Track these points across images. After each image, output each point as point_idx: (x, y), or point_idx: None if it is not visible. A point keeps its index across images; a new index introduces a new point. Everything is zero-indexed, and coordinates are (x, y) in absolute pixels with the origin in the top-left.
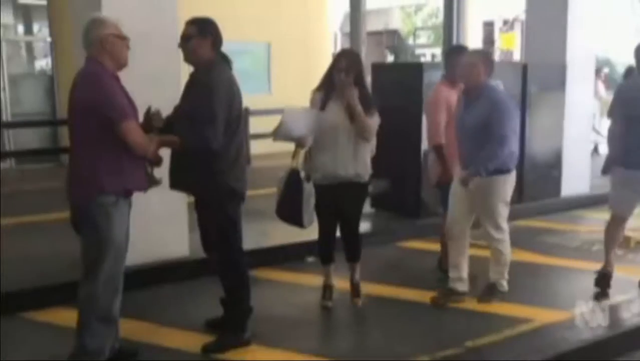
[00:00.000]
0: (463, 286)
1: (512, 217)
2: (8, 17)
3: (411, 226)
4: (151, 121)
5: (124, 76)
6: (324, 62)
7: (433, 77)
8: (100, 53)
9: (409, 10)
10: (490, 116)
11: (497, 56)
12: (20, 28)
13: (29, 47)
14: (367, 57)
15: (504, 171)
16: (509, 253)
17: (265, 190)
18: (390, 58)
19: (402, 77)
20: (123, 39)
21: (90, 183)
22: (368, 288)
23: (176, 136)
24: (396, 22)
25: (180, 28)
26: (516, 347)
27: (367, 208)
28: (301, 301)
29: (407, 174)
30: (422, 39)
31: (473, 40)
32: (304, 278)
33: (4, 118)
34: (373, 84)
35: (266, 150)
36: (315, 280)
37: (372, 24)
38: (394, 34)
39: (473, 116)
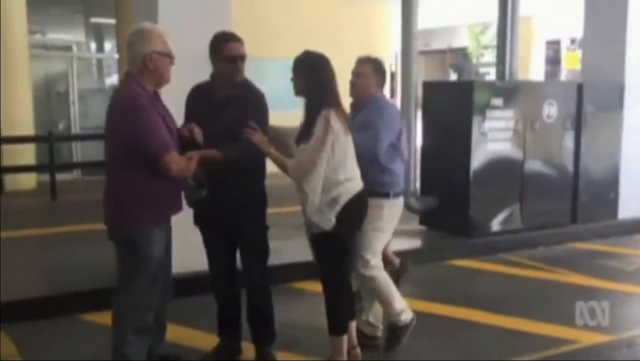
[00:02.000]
0: (371, 330)
1: (566, 239)
2: (80, 36)
3: (460, 244)
4: (194, 140)
5: (174, 92)
6: None
7: (484, 96)
8: (142, 71)
9: (476, 30)
10: (368, 120)
11: (563, 75)
12: (93, 46)
13: (99, 64)
14: (420, 75)
15: (379, 194)
16: (387, 285)
17: None
18: (453, 76)
19: (453, 96)
20: (168, 56)
21: (129, 211)
22: (411, 304)
23: (217, 150)
24: (462, 41)
25: None
26: None
27: (415, 225)
28: None
29: (456, 193)
30: (488, 57)
31: (536, 59)
32: None
33: (72, 131)
34: (424, 103)
35: None
36: None
37: (437, 43)
38: (458, 52)
39: (355, 127)
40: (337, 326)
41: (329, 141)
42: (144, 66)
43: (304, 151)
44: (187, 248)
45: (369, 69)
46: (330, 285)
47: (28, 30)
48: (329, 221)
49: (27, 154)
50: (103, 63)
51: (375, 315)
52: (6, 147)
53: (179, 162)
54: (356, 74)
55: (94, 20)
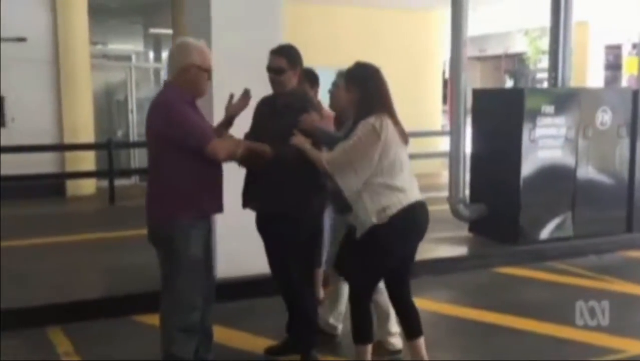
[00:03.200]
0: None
1: (619, 247)
2: (139, 46)
3: (507, 252)
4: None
5: (223, 101)
6: (433, 88)
7: (535, 103)
8: (180, 82)
9: (534, 35)
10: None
11: (624, 81)
12: (151, 55)
13: (157, 73)
14: (475, 82)
15: None
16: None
17: None
18: (509, 83)
19: (503, 103)
20: (205, 70)
21: (167, 208)
22: (455, 310)
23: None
24: (518, 46)
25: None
26: None
27: (464, 232)
28: None
29: (505, 200)
30: (546, 62)
31: (593, 65)
32: None
33: (131, 139)
34: (474, 110)
35: None
36: None
37: (493, 48)
38: (513, 58)
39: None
40: (356, 334)
41: (368, 143)
42: (182, 77)
43: (340, 146)
44: (233, 252)
45: None
46: (355, 292)
47: (90, 41)
48: (370, 221)
49: (87, 160)
50: (160, 72)
51: (336, 316)
52: (68, 154)
53: (224, 146)
54: (338, 86)
55: (153, 30)
